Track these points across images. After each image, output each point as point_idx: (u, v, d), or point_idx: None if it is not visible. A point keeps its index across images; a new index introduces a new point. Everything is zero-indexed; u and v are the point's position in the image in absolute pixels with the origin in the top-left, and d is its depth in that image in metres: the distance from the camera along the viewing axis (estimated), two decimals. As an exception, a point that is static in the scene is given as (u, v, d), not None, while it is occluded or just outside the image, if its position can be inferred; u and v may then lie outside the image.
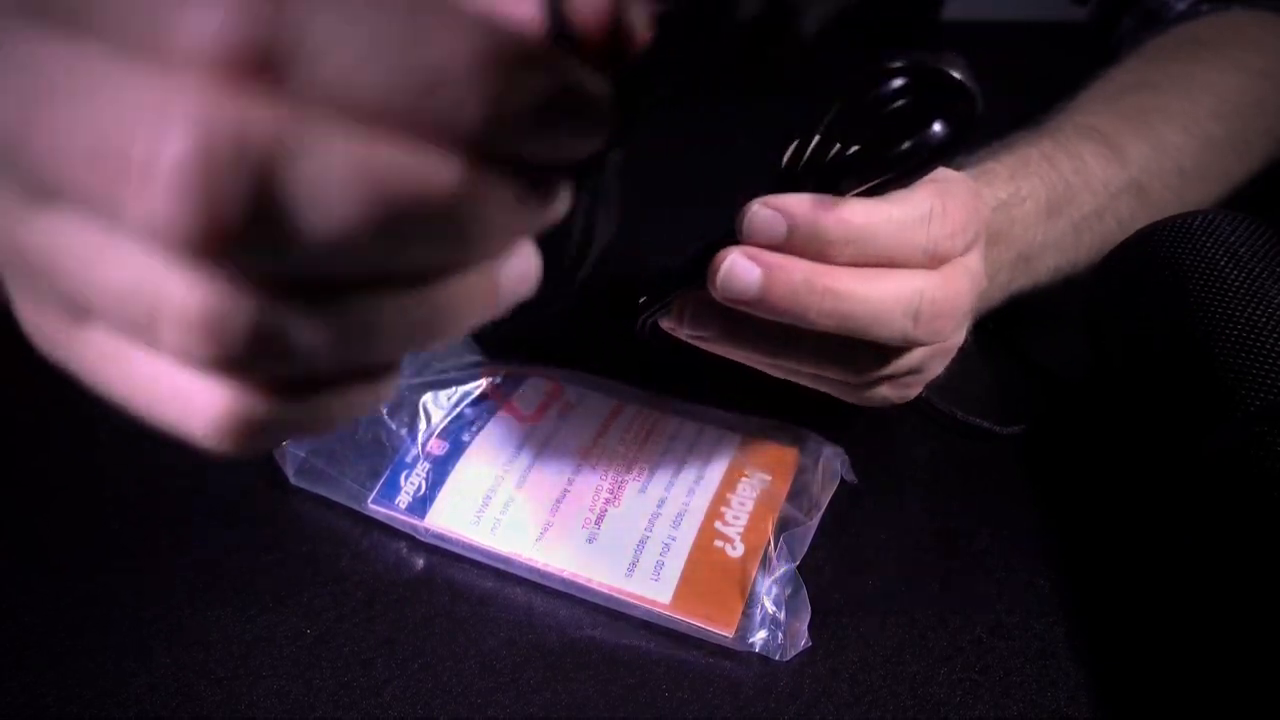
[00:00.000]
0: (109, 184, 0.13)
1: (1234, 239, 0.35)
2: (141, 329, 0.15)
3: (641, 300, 0.33)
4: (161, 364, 0.16)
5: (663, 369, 0.41)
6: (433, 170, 0.15)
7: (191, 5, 0.13)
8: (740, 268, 0.29)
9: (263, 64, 0.13)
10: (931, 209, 0.29)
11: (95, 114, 0.13)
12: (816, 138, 0.28)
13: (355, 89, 0.14)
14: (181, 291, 0.14)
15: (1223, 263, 0.35)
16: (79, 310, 0.16)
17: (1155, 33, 0.53)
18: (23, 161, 0.14)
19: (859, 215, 0.29)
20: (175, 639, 0.34)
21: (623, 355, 0.42)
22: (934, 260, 0.30)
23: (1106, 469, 0.40)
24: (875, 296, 0.29)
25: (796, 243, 0.28)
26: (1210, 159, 0.45)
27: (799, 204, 0.28)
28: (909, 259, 0.30)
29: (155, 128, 0.13)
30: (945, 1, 0.85)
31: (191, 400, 0.16)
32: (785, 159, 0.29)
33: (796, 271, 0.29)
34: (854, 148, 0.27)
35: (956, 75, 0.25)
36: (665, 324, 0.32)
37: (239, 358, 0.15)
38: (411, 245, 0.16)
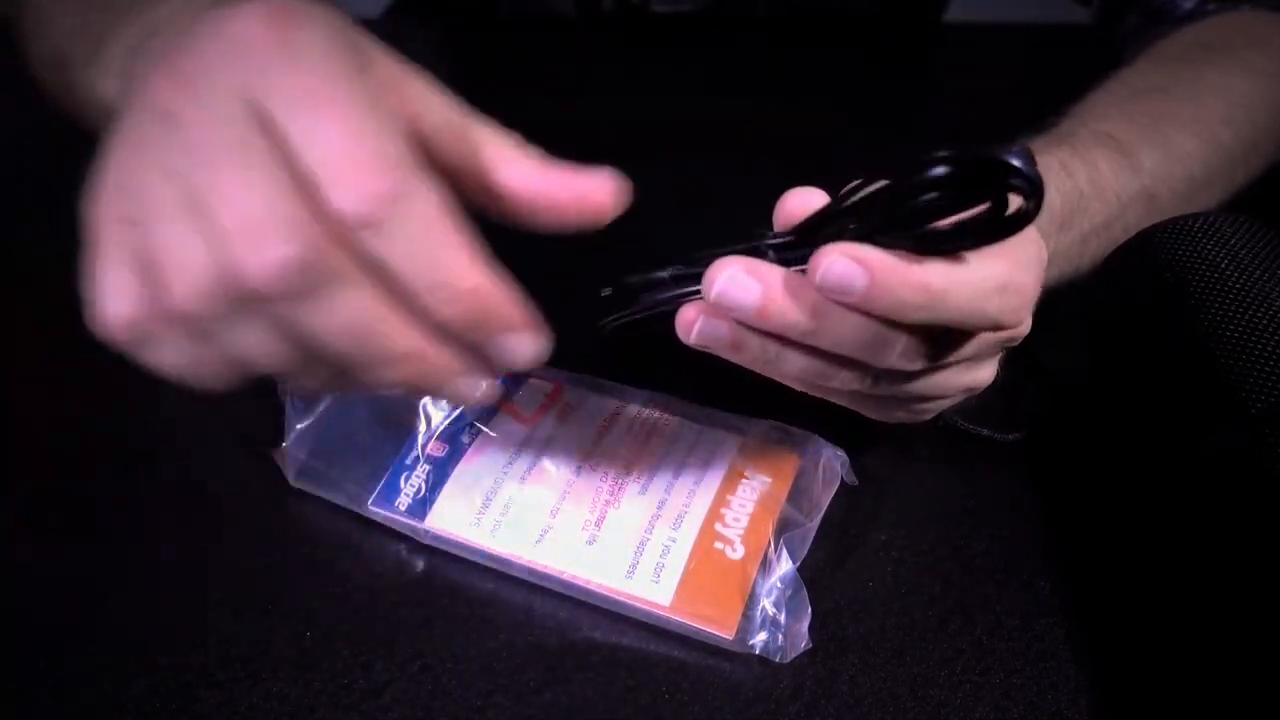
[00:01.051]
0: None
1: (1235, 241, 0.35)
2: None
3: (606, 293, 0.32)
4: None
5: (663, 371, 0.41)
6: None
7: None
8: (740, 286, 0.28)
9: None
10: (1009, 280, 0.28)
11: None
12: (844, 206, 0.27)
13: None
14: None
15: (1223, 264, 0.34)
16: None
17: (1161, 32, 0.53)
18: None
19: (938, 280, 0.27)
20: (174, 641, 0.34)
21: (623, 356, 0.42)
22: (997, 328, 0.30)
23: (1107, 471, 0.40)
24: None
25: (872, 299, 0.27)
26: (1219, 164, 0.45)
27: (881, 260, 0.27)
28: (974, 327, 0.29)
29: None
30: (948, 4, 0.85)
31: None
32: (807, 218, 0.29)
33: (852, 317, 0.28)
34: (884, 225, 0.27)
35: (1014, 162, 0.24)
36: (681, 331, 0.31)
37: None
38: None
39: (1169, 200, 0.43)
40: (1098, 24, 0.61)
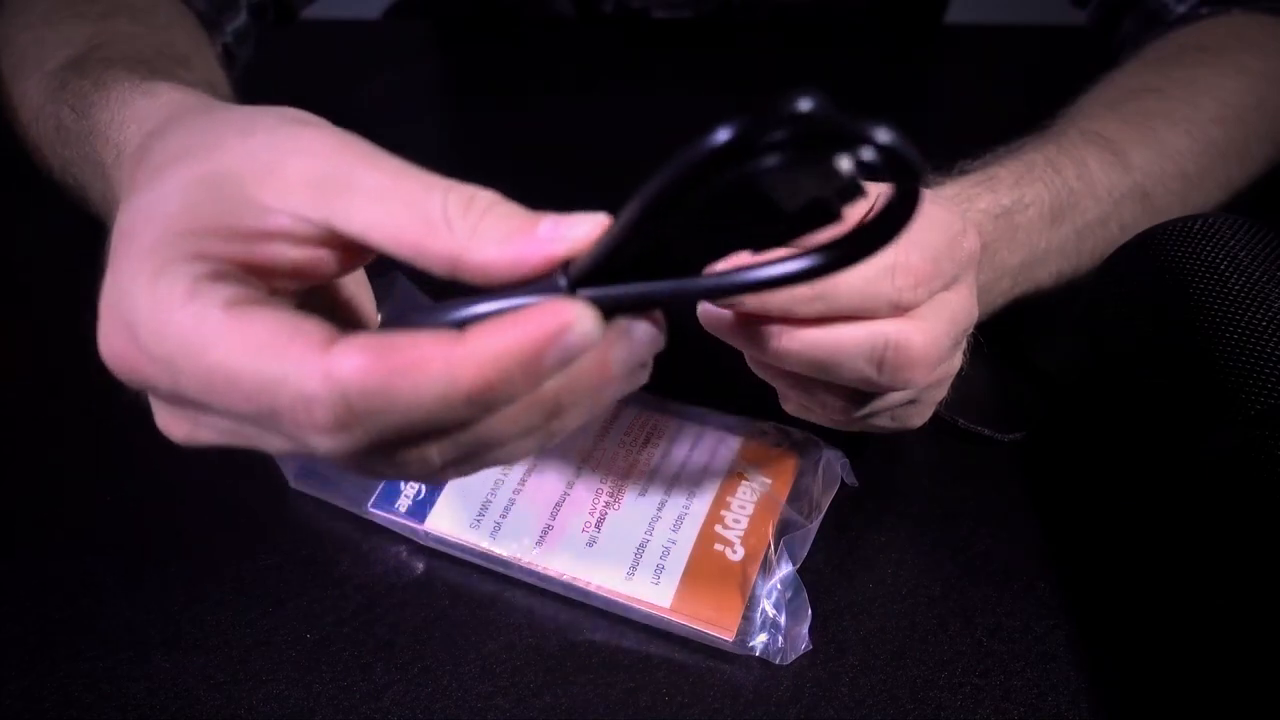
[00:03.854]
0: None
1: (1234, 243, 0.35)
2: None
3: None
4: None
5: (663, 372, 0.41)
6: None
7: None
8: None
9: None
10: (895, 263, 0.29)
11: None
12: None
13: None
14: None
15: (1223, 266, 0.35)
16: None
17: (1156, 34, 0.53)
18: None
19: None
20: (174, 643, 0.34)
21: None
22: (900, 312, 0.30)
23: (1106, 472, 0.40)
24: (835, 343, 0.30)
25: (764, 302, 0.29)
26: (1213, 163, 0.45)
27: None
28: (876, 313, 0.30)
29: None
30: (947, 6, 0.85)
31: None
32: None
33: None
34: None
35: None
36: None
37: None
38: None
39: (1163, 199, 0.43)
40: (1094, 27, 0.61)
